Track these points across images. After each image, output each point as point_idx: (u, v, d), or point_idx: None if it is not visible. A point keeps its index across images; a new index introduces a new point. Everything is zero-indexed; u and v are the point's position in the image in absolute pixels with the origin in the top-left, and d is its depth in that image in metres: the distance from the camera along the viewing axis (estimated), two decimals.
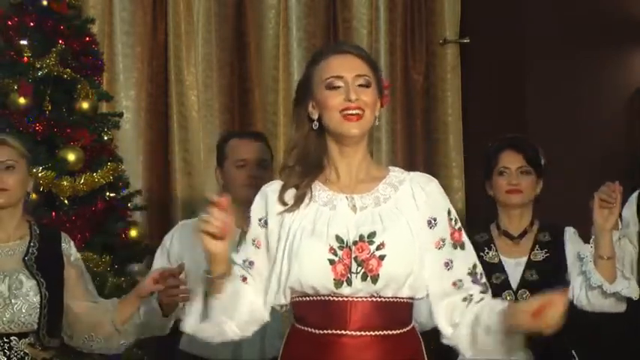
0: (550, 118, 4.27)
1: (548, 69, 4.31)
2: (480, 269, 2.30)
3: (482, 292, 2.28)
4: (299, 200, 2.29)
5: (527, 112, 4.42)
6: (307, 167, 2.32)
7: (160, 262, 3.36)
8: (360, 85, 2.27)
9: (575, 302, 3.11)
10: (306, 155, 2.32)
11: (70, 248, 2.97)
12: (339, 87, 2.26)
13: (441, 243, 2.27)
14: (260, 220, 2.31)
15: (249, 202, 3.37)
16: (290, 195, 2.31)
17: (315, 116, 2.30)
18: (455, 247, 2.28)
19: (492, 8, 4.62)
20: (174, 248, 3.37)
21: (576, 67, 4.24)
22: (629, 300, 3.12)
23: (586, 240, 3.19)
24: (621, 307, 3.13)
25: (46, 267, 2.87)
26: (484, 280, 2.29)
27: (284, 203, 2.30)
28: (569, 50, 4.26)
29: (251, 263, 2.29)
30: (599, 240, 3.06)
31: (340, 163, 2.32)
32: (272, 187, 2.35)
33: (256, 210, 2.33)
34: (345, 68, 2.28)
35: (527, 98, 4.43)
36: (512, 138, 3.35)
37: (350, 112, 2.25)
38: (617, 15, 4.24)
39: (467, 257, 2.29)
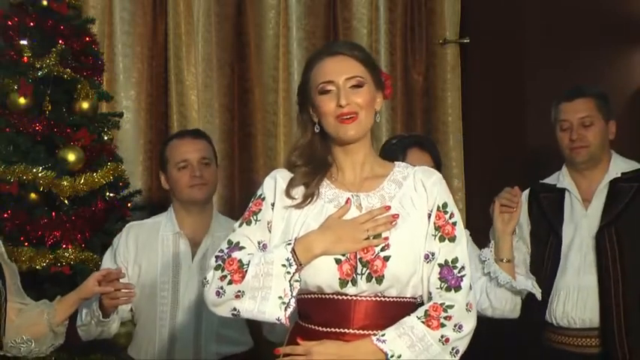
0: (550, 118, 4.26)
1: (548, 69, 4.31)
2: (461, 263, 2.27)
3: (446, 289, 2.24)
4: (307, 198, 2.31)
5: (527, 112, 4.42)
6: (314, 166, 2.33)
7: (107, 261, 3.34)
8: (352, 87, 2.29)
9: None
10: (311, 156, 2.34)
11: (1, 247, 2.85)
12: (331, 92, 2.29)
13: (431, 235, 2.28)
14: (272, 204, 2.32)
15: (196, 203, 3.41)
16: (297, 191, 2.32)
17: (316, 119, 2.33)
18: (442, 239, 2.28)
19: (492, 8, 4.62)
20: (121, 249, 3.35)
21: (576, 67, 4.23)
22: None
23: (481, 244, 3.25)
24: (517, 313, 3.19)
25: None
26: (463, 273, 2.27)
27: (291, 198, 2.31)
28: (569, 50, 4.25)
29: (264, 246, 2.29)
30: (500, 243, 3.15)
31: (344, 162, 2.34)
32: (282, 175, 2.36)
33: (268, 193, 2.33)
34: (336, 72, 2.29)
35: (527, 98, 4.43)
36: (418, 136, 3.38)
37: (343, 117, 2.27)
38: (617, 15, 4.23)
39: (451, 250, 2.28)
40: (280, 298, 2.19)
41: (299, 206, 2.31)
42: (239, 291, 2.19)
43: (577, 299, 3.16)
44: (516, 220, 3.18)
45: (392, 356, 2.17)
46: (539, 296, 3.16)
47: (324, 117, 2.30)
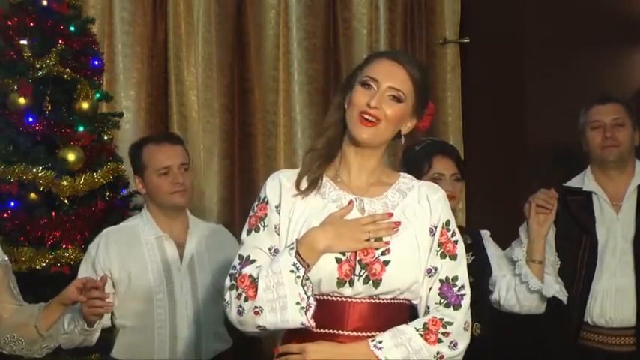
0: (550, 118, 4.27)
1: (547, 69, 4.31)
2: (461, 282, 2.29)
3: (445, 305, 2.25)
4: (312, 184, 2.30)
5: (527, 112, 4.42)
6: (328, 152, 2.33)
7: (84, 272, 3.29)
8: (390, 97, 2.27)
9: (502, 302, 3.22)
10: (332, 140, 2.33)
11: None
12: (370, 88, 2.28)
13: (434, 250, 2.29)
14: (277, 207, 2.30)
15: (177, 208, 3.43)
16: (305, 183, 2.31)
17: (347, 105, 2.32)
18: (444, 256, 2.29)
19: (492, 8, 4.62)
20: (101, 257, 3.32)
21: (576, 67, 4.23)
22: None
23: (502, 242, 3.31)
24: (543, 309, 3.27)
25: None
26: (463, 292, 2.28)
27: (299, 189, 2.30)
28: (569, 50, 4.25)
29: (276, 251, 2.28)
30: (533, 244, 3.20)
31: (353, 162, 2.33)
32: (285, 174, 2.35)
33: (271, 196, 2.31)
34: (385, 75, 2.28)
35: (527, 98, 4.43)
36: (441, 143, 3.41)
37: (366, 116, 2.26)
38: (617, 15, 4.23)
39: (452, 268, 2.29)
40: (298, 303, 2.18)
41: (304, 194, 2.29)
42: (256, 307, 2.19)
43: (614, 300, 3.27)
44: (551, 221, 3.22)
45: None
46: (565, 300, 3.25)
47: (350, 106, 2.28)
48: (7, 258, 2.94)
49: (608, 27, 4.20)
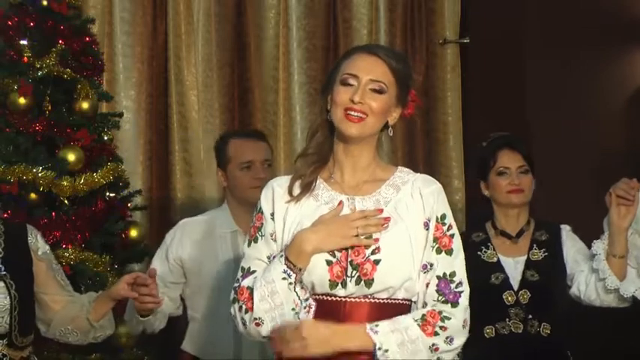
0: (550, 118, 4.27)
1: (548, 69, 4.32)
2: (459, 278, 2.25)
3: (443, 302, 2.23)
4: (305, 188, 2.30)
5: (527, 112, 4.42)
6: (321, 156, 2.32)
7: (158, 260, 3.35)
8: (372, 90, 2.27)
9: (582, 297, 3.11)
10: (322, 144, 2.33)
11: (37, 242, 2.89)
12: (351, 85, 2.27)
13: (430, 246, 2.26)
14: (271, 215, 2.31)
15: (255, 204, 3.41)
16: (298, 187, 2.32)
17: (330, 107, 2.31)
18: (439, 251, 2.26)
19: (492, 8, 4.62)
20: (174, 246, 3.36)
21: (576, 67, 4.24)
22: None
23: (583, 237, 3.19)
24: (626, 303, 3.11)
25: (13, 266, 2.79)
26: (460, 289, 2.25)
27: (292, 195, 2.31)
28: (569, 50, 4.26)
29: (274, 258, 2.28)
30: (615, 238, 3.03)
31: (345, 162, 2.33)
32: (278, 182, 2.36)
33: (265, 205, 2.33)
34: (364, 69, 2.28)
35: (527, 98, 4.43)
36: (507, 137, 3.34)
37: (351, 113, 2.26)
38: (617, 15, 4.24)
39: (448, 263, 2.26)
40: (294, 309, 2.20)
41: (298, 199, 2.29)
42: (255, 318, 2.21)
43: None
44: (634, 214, 3.03)
45: (379, 349, 2.16)
46: None
47: (335, 106, 2.28)
48: (48, 247, 2.96)
49: (608, 27, 4.20)
